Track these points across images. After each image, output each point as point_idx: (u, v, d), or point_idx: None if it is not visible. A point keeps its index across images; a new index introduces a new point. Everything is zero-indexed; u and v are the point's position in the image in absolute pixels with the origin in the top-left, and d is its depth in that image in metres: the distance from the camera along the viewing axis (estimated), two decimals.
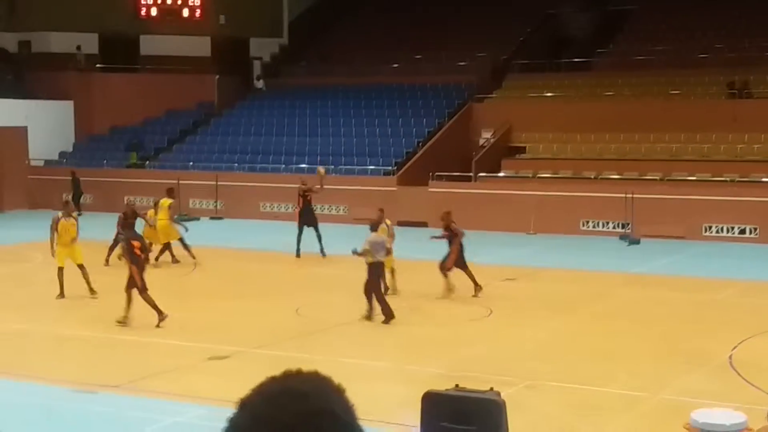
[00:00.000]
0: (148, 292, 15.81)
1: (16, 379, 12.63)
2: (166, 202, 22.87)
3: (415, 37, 39.40)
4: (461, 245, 18.89)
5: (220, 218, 32.60)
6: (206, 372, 13.12)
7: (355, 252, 16.72)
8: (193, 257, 22.31)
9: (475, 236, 28.14)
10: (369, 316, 16.22)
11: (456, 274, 18.58)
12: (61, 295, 18.23)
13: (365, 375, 12.41)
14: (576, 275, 21.66)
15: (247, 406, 1.88)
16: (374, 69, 37.93)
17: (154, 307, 15.71)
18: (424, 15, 40.85)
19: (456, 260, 18.78)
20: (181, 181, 31.95)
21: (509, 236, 27.92)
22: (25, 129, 36.46)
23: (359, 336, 15.45)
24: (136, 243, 16.14)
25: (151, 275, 21.26)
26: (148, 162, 36.48)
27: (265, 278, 21.44)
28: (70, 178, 34.50)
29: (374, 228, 17.46)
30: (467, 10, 40.12)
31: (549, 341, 15.14)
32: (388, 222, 19.06)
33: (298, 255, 23.65)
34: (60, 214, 18.87)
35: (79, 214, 33.23)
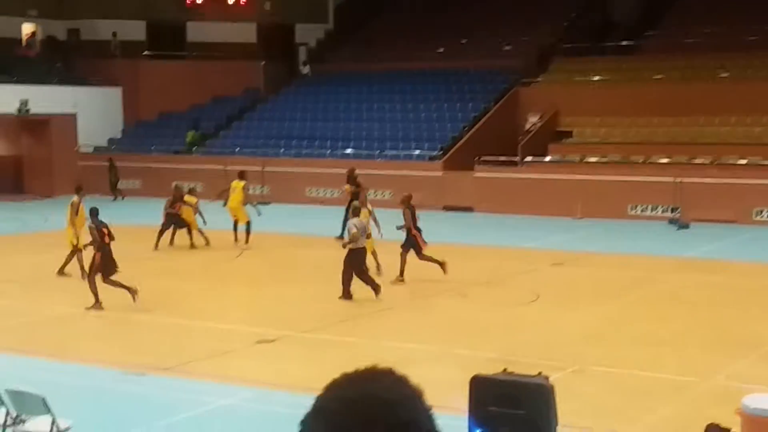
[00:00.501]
0: (113, 277, 15.86)
1: (67, 361, 12.82)
2: (238, 184, 23.25)
3: (460, 21, 39.19)
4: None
5: (266, 203, 32.74)
6: (254, 355, 13.22)
7: (349, 232, 16.76)
8: (246, 242, 22.54)
9: (521, 221, 28.10)
10: (346, 296, 16.43)
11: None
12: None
13: (412, 359, 12.42)
14: (624, 260, 21.48)
15: (323, 411, 1.73)
16: (420, 54, 37.82)
17: (123, 286, 15.76)
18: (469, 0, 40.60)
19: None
20: (227, 167, 32.14)
21: (556, 221, 27.74)
22: (74, 116, 36.93)
23: (406, 320, 15.46)
24: (105, 230, 16.20)
25: (201, 258, 21.52)
26: (195, 149, 36.71)
27: (312, 263, 21.51)
28: (108, 164, 34.94)
29: (356, 212, 17.33)
30: None
31: (596, 326, 15.04)
32: (370, 207, 19.05)
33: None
34: (76, 198, 19.43)
35: (118, 199, 33.87)
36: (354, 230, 16.55)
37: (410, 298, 16.95)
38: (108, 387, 11.73)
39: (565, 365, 12.24)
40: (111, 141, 38.34)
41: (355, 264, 16.58)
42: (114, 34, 39.66)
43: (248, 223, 22.86)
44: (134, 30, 40.07)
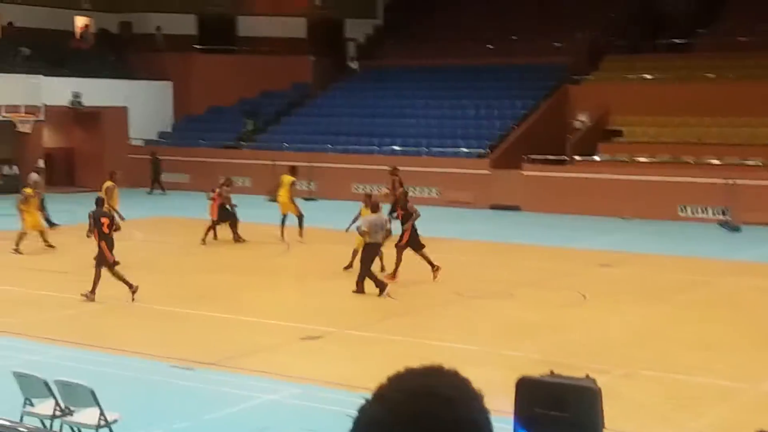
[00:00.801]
0: (117, 268, 16.09)
1: (115, 353, 12.96)
2: (287, 178, 23.39)
3: (510, 17, 38.96)
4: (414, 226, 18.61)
5: (313, 199, 32.85)
6: (299, 351, 13.26)
7: (358, 229, 17.06)
8: (300, 235, 22.62)
9: (570, 220, 27.87)
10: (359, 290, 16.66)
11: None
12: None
13: (457, 358, 12.37)
14: (673, 262, 21.21)
15: (385, 399, 1.78)
16: (468, 50, 37.65)
17: (125, 281, 16.01)
18: None
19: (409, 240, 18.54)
20: (275, 162, 32.29)
21: (604, 221, 27.48)
22: (125, 109, 37.33)
23: (451, 319, 15.41)
24: (104, 219, 16.38)
25: (249, 253, 21.63)
26: (242, 143, 36.93)
27: (357, 259, 21.50)
28: (150, 157, 35.31)
29: (375, 209, 17.52)
30: None
31: (645, 329, 14.87)
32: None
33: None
34: (110, 183, 20.11)
35: (161, 193, 34.24)
36: (364, 228, 16.77)
37: (456, 297, 16.89)
38: (155, 380, 11.84)
39: (612, 368, 12.12)
40: (161, 134, 38.70)
41: (364, 257, 16.83)
42: (158, 28, 40.06)
43: (300, 217, 22.95)
44: (185, 24, 40.40)
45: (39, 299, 16.39)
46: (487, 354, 13.01)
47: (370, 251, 16.91)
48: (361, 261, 16.99)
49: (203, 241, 22.42)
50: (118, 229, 16.50)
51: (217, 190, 23.00)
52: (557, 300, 16.82)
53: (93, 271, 16.03)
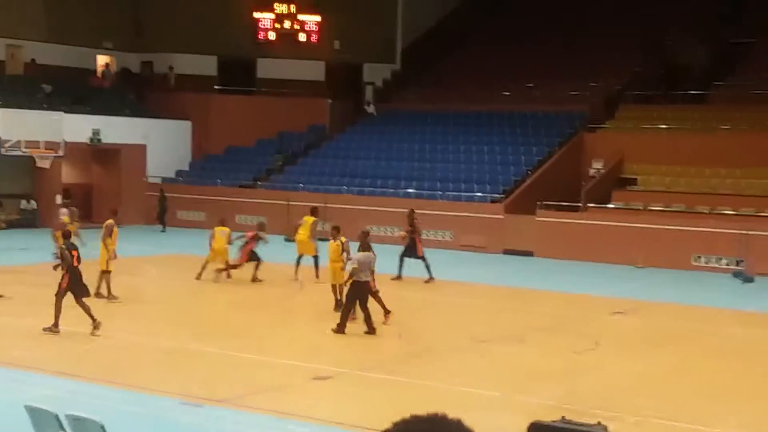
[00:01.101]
0: (85, 299, 16.20)
1: (127, 388, 13.01)
2: (309, 219, 23.49)
3: (527, 65, 39.27)
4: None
5: (327, 239, 32.91)
6: (310, 392, 13.27)
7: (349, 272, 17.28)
8: (317, 276, 22.66)
9: (582, 267, 27.87)
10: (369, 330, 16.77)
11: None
12: (112, 296, 19.58)
13: (469, 403, 12.36)
14: (686, 311, 21.16)
15: None
16: (485, 96, 37.94)
17: (89, 314, 16.07)
18: (536, 44, 40.69)
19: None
20: (290, 202, 32.47)
21: (617, 268, 27.47)
22: (144, 147, 37.68)
23: (463, 363, 15.40)
24: (75, 252, 16.52)
25: (263, 292, 21.70)
26: (259, 183, 37.18)
27: (370, 301, 21.54)
28: (158, 194, 35.62)
29: (365, 248, 17.52)
30: (581, 39, 39.82)
31: (657, 377, 14.82)
32: (343, 239, 19.61)
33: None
34: (111, 220, 20.32)
35: (162, 231, 34.46)
36: (354, 265, 16.90)
37: (468, 341, 16.89)
38: (165, 416, 11.87)
39: (623, 415, 12.08)
40: (178, 173, 39.00)
41: (351, 295, 16.92)
42: (170, 68, 40.60)
43: (316, 257, 23.02)
44: (206, 65, 40.91)
45: (47, 333, 16.45)
46: (498, 399, 13.00)
47: (358, 289, 16.96)
48: (347, 298, 17.04)
49: (199, 276, 22.52)
50: (79, 263, 16.59)
51: (251, 233, 23.12)
52: (570, 346, 16.79)
53: (106, 305, 16.14)
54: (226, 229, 23.09)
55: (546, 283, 24.89)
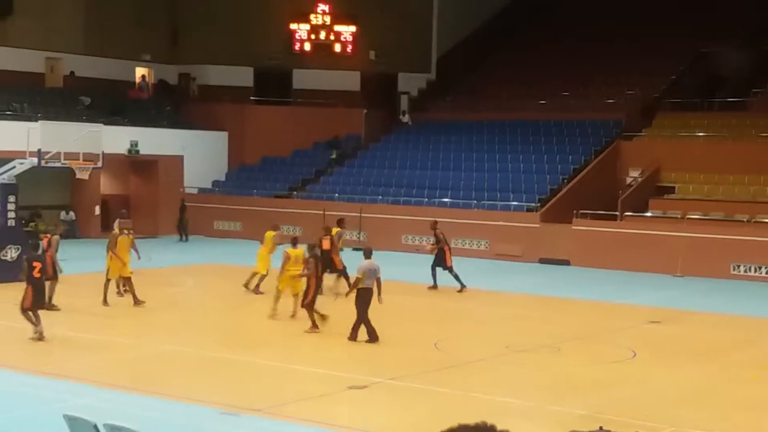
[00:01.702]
0: (30, 312, 16.39)
1: (164, 398, 13.11)
2: (333, 230, 23.43)
3: (562, 73, 39.14)
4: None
5: (362, 249, 33.00)
6: (345, 401, 13.30)
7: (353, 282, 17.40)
8: (347, 292, 22.60)
9: (619, 276, 27.68)
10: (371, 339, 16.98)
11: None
12: (105, 302, 19.99)
13: (505, 413, 12.32)
14: (725, 320, 20.95)
15: None
16: (521, 105, 37.86)
17: (35, 324, 16.35)
18: (572, 52, 40.55)
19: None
20: (326, 212, 32.58)
21: (655, 277, 27.26)
22: (181, 158, 38.01)
23: (499, 373, 15.35)
24: (36, 264, 16.69)
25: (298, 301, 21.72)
26: (294, 193, 37.35)
27: (405, 310, 21.57)
28: (180, 205, 35.92)
29: (368, 255, 17.59)
30: (617, 47, 39.61)
31: (694, 387, 14.68)
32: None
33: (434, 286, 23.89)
34: (117, 230, 20.89)
35: (184, 240, 34.72)
36: (359, 274, 17.00)
37: (504, 350, 16.84)
38: (204, 425, 11.94)
39: (660, 426, 11.99)
40: (215, 183, 39.28)
41: (358, 303, 17.03)
42: (193, 78, 41.00)
43: (340, 270, 22.80)
44: (242, 76, 41.22)
45: (89, 343, 16.65)
46: (535, 409, 12.94)
47: (364, 297, 17.04)
48: (356, 307, 17.10)
49: (250, 287, 22.58)
50: (44, 274, 16.81)
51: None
52: (606, 356, 16.70)
53: (143, 313, 16.31)
54: (272, 233, 22.93)
55: (582, 292, 24.76)
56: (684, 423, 12.36)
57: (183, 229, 35.61)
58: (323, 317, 18.04)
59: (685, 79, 38.05)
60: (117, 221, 22.80)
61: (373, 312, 20.88)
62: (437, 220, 25.52)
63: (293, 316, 19.14)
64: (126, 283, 20.48)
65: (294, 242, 19.53)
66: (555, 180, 33.52)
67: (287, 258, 19.00)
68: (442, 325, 19.58)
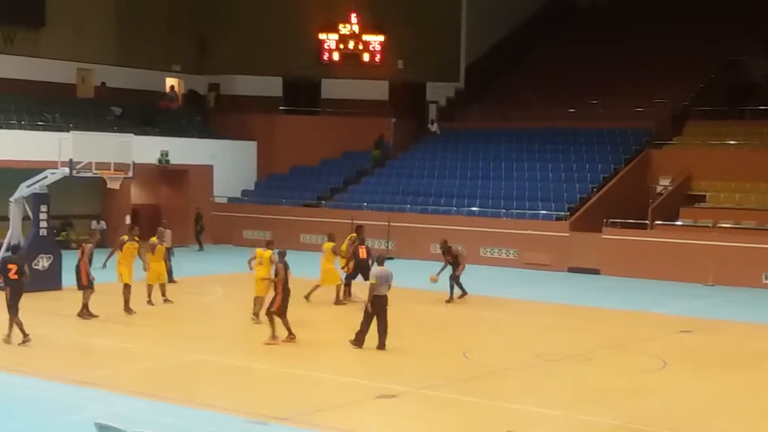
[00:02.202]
0: (18, 316, 16.70)
1: (193, 406, 13.15)
2: (350, 237, 23.45)
3: (591, 81, 39.00)
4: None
5: (391, 258, 32.96)
6: (374, 410, 13.28)
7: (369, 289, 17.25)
8: (348, 294, 22.80)
9: (650, 285, 27.48)
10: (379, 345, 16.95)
11: None
12: (128, 308, 20.30)
13: (536, 423, 12.26)
14: (757, 329, 20.73)
15: None
16: (549, 113, 37.75)
17: (21, 328, 16.69)
18: (600, 60, 40.41)
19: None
20: (354, 221, 32.59)
21: (685, 287, 27.05)
22: (211, 167, 38.23)
23: (529, 382, 15.27)
24: (12, 266, 16.87)
25: (323, 310, 21.78)
26: (323, 202, 37.43)
27: (434, 319, 21.54)
28: (195, 215, 36.12)
29: (381, 262, 17.53)
30: (646, 55, 39.44)
31: (726, 397, 14.53)
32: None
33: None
34: (125, 237, 21.30)
35: (200, 250, 34.84)
36: (372, 280, 16.94)
37: (534, 360, 16.75)
38: None
39: None
40: (244, 192, 39.45)
41: (375, 309, 16.93)
42: (215, 87, 41.28)
43: (349, 276, 22.90)
44: (271, 86, 41.43)
45: (119, 351, 16.75)
46: (565, 419, 12.86)
47: (377, 303, 16.98)
48: (370, 314, 17.00)
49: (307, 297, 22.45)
50: (20, 276, 16.98)
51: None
52: (637, 365, 16.57)
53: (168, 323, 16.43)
54: (331, 245, 22.86)
55: (612, 301, 24.60)
56: None
57: (199, 239, 35.78)
58: (291, 336, 17.58)
59: (716, 86, 37.78)
60: (158, 231, 22.99)
61: (403, 321, 20.89)
62: (446, 240, 24.68)
63: (255, 317, 19.26)
64: (124, 290, 20.55)
65: (269, 244, 19.38)
66: (584, 188, 33.36)
67: (253, 257, 19.08)
68: (471, 335, 19.52)
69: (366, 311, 17.12)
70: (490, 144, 37.88)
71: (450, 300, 23.39)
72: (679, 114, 36.44)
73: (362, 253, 22.91)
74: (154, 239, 22.20)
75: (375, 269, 17.44)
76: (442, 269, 23.67)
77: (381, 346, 17.07)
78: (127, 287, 20.51)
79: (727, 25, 39.36)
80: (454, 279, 23.43)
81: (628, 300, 24.77)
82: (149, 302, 21.37)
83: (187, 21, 41.65)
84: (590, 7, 47.17)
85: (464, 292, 23.52)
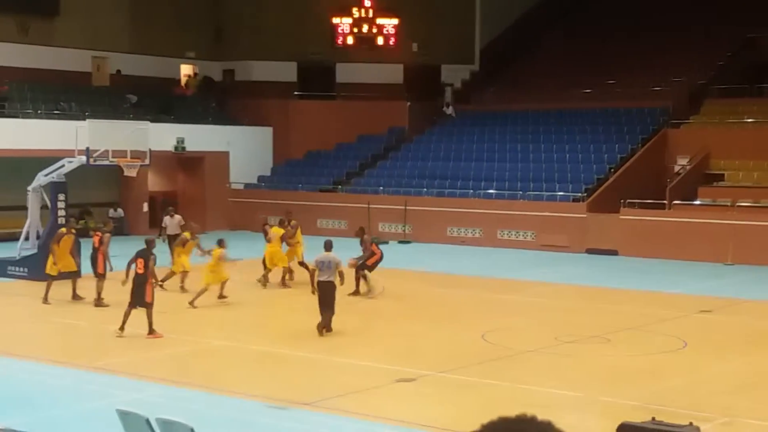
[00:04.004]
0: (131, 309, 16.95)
1: (214, 392, 13.21)
2: (277, 230, 23.33)
3: (607, 61, 38.75)
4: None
5: (408, 242, 33.03)
6: (394, 394, 13.30)
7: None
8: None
9: (669, 265, 27.36)
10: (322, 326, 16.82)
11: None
12: (183, 289, 21.35)
13: (556, 405, 12.25)
14: None
15: None
16: (565, 94, 37.56)
17: (124, 320, 16.91)
18: (616, 39, 40.14)
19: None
20: (371, 205, 32.61)
21: (705, 266, 26.93)
22: (227, 154, 38.26)
23: (549, 364, 15.26)
24: (140, 260, 17.17)
25: (343, 297, 21.78)
26: (340, 186, 37.44)
27: (452, 302, 21.53)
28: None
29: (327, 247, 17.44)
30: (662, 34, 39.14)
31: (747, 376, 14.48)
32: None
33: None
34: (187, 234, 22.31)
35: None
36: (313, 266, 16.89)
37: (553, 342, 16.73)
38: (253, 419, 12.02)
39: (713, 416, 11.84)
40: (260, 178, 39.49)
41: (321, 294, 16.91)
42: (230, 73, 41.29)
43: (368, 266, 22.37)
44: (286, 71, 41.38)
45: (140, 338, 16.82)
46: (585, 400, 12.85)
47: (321, 288, 16.94)
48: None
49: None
50: None
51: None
52: (656, 346, 16.53)
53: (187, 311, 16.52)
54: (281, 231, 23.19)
55: (631, 282, 24.52)
56: (737, 412, 12.19)
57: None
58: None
59: (733, 64, 37.49)
60: (189, 225, 23.41)
61: (420, 305, 20.89)
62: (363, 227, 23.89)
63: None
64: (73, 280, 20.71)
65: (221, 243, 20.65)
66: (602, 169, 33.22)
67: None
68: (489, 317, 19.50)
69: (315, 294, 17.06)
70: (506, 126, 37.74)
71: (355, 293, 21.51)
72: (696, 92, 36.19)
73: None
74: (186, 234, 22.51)
75: (318, 255, 17.19)
76: (365, 258, 22.01)
77: (327, 328, 16.78)
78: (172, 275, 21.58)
79: (745, 2, 38.99)
80: (363, 268, 21.65)
81: (646, 280, 24.68)
82: (182, 288, 21.61)
83: (201, 7, 41.62)
84: None
85: (369, 289, 21.67)
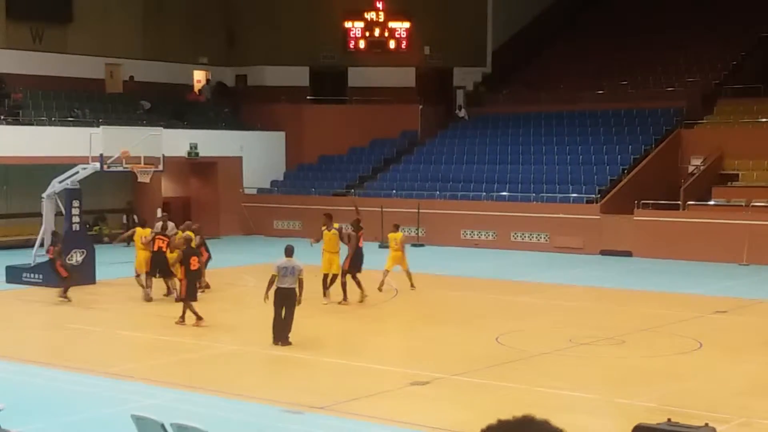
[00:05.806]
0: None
1: (229, 397, 13.23)
2: (396, 235, 22.66)
3: (620, 62, 38.67)
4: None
5: (421, 245, 33.00)
6: (407, 397, 13.29)
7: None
8: (412, 285, 22.37)
9: (683, 266, 27.27)
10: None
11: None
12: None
13: (570, 407, 12.22)
14: None
15: None
16: (578, 95, 37.49)
17: (193, 311, 18.08)
18: (629, 40, 40.04)
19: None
20: (384, 209, 32.61)
21: (719, 267, 26.82)
22: (240, 159, 38.35)
23: (563, 366, 15.22)
24: (193, 258, 18.11)
25: (354, 298, 21.81)
26: (353, 190, 37.45)
27: (466, 305, 21.50)
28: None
29: (288, 252, 16.60)
30: (675, 34, 39.04)
31: (764, 377, 14.41)
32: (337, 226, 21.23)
33: None
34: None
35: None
36: (274, 271, 16.23)
37: (567, 344, 16.69)
38: (268, 424, 12.03)
39: (729, 417, 11.78)
40: (273, 183, 39.56)
41: (278, 301, 16.36)
42: (243, 79, 41.33)
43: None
44: (298, 76, 41.45)
45: (153, 343, 16.87)
46: (600, 402, 12.81)
47: (278, 297, 16.29)
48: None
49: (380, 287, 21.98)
50: None
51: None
52: (671, 347, 16.46)
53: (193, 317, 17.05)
54: (399, 234, 22.53)
55: (645, 283, 24.45)
56: (754, 413, 12.13)
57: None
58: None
59: (747, 64, 37.34)
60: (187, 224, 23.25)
61: (435, 308, 20.87)
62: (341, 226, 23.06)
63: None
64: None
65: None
66: (615, 170, 33.14)
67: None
68: (503, 320, 19.47)
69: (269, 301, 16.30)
70: (519, 128, 37.69)
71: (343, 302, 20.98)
72: (709, 92, 36.06)
73: (360, 241, 22.30)
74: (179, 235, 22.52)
75: (279, 260, 16.47)
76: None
77: (283, 340, 16.18)
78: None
79: (758, 1, 38.84)
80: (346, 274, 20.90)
81: (661, 281, 24.60)
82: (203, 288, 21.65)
83: (214, 13, 41.74)
84: None
85: (344, 297, 20.94)
